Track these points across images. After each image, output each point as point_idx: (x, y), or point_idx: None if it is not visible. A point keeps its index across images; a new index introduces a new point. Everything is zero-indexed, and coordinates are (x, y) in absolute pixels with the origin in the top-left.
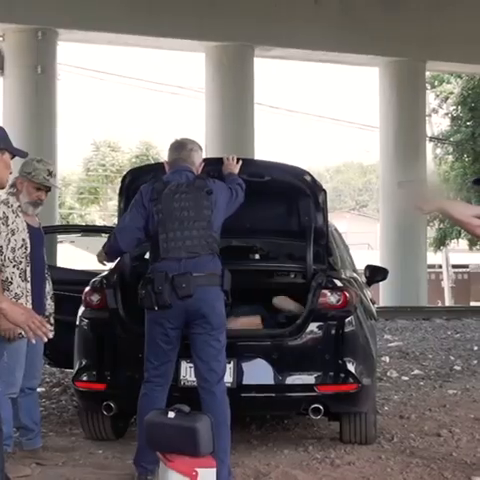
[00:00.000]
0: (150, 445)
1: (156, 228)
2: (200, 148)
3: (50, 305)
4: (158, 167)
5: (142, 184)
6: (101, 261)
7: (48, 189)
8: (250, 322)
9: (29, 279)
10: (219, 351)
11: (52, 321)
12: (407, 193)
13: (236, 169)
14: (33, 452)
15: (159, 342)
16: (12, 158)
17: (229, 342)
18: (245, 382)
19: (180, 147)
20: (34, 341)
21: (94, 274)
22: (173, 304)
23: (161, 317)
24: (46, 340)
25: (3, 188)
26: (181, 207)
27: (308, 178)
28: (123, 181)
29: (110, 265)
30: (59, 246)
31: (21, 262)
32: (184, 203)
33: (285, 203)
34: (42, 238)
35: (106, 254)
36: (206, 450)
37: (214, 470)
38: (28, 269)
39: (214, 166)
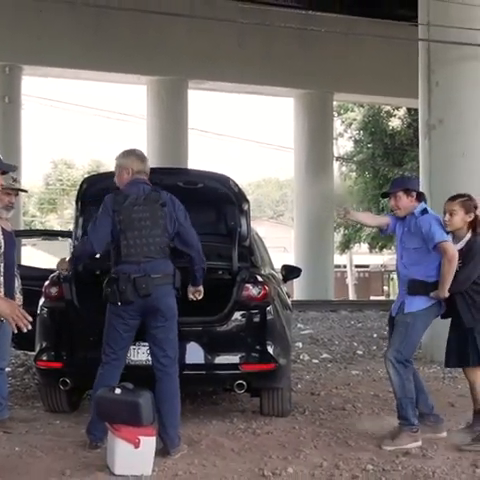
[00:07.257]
0: (100, 417)
1: (118, 235)
2: None
3: (19, 299)
4: (110, 175)
5: (95, 190)
6: (62, 270)
7: (16, 193)
8: None
9: (2, 274)
10: (173, 339)
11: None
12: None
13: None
14: (1, 422)
15: (119, 330)
16: (2, 173)
17: None
18: (180, 362)
19: (145, 160)
20: (16, 330)
21: (52, 271)
22: (134, 301)
23: (122, 310)
24: (25, 330)
25: None
26: (139, 218)
27: (234, 186)
28: (80, 187)
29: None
30: (23, 248)
31: None
32: (142, 214)
33: (215, 210)
34: (14, 241)
35: (77, 258)
36: (147, 421)
37: (154, 438)
38: (1, 265)
39: (159, 175)
